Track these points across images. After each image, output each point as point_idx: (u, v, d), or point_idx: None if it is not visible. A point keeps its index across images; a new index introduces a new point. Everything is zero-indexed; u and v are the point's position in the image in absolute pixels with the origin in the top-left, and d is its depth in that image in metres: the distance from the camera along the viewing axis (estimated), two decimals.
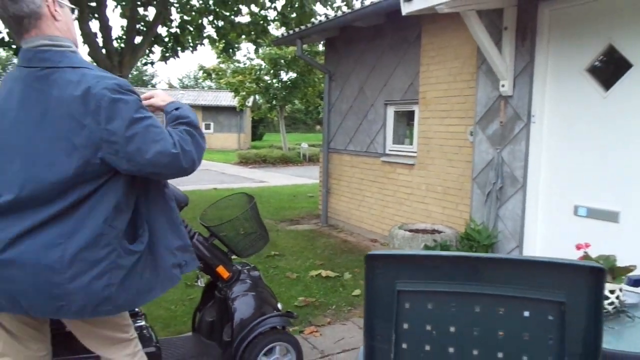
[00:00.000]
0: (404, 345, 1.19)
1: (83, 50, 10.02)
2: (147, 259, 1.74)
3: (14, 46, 8.93)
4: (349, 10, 6.81)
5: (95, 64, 8.91)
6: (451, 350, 1.16)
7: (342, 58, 7.24)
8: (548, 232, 4.19)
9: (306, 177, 15.86)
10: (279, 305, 2.98)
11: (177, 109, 1.85)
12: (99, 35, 8.82)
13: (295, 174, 17.43)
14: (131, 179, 1.67)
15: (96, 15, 8.71)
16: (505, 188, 4.36)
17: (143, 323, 2.67)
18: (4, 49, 9.30)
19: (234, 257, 2.96)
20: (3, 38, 8.82)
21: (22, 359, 1.80)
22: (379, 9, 5.62)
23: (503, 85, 4.24)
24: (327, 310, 4.08)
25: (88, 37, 8.45)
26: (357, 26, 6.39)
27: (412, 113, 6.02)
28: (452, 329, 1.15)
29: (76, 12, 1.80)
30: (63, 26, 1.65)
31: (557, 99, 4.06)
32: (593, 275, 1.07)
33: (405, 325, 1.19)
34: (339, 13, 9.19)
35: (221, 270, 2.82)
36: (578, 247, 2.01)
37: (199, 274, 2.91)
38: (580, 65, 3.88)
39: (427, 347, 1.18)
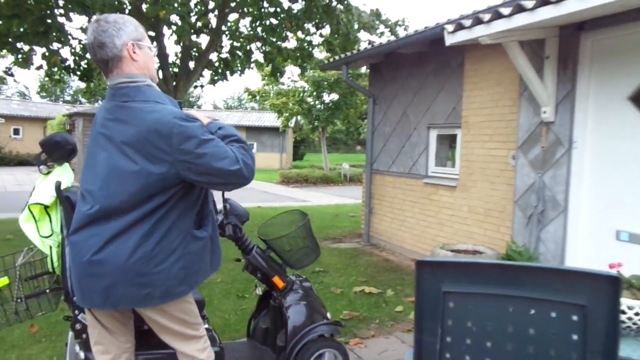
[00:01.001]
0: (448, 339, 1.41)
1: None
2: (209, 244, 2.07)
3: (78, 73, 9.72)
4: (394, 38, 7.10)
5: None
6: (488, 344, 1.37)
7: (386, 83, 7.52)
8: (589, 256, 4.27)
9: (347, 197, 16.09)
10: (328, 315, 3.21)
11: (220, 128, 2.03)
12: (157, 61, 9.48)
13: (337, 193, 17.70)
14: (185, 184, 1.96)
15: (155, 44, 9.36)
16: (546, 211, 4.48)
17: (207, 325, 2.96)
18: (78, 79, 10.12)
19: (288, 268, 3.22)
20: (69, 65, 9.61)
21: (113, 348, 2.12)
22: (423, 38, 5.88)
23: (545, 112, 4.39)
24: (371, 324, 4.27)
25: None
26: (401, 52, 6.67)
27: (454, 136, 6.20)
28: (489, 326, 1.37)
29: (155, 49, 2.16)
30: (141, 64, 1.94)
31: (599, 125, 4.17)
32: (611, 282, 1.27)
33: (449, 322, 1.41)
34: (383, 39, 9.53)
35: (276, 280, 3.08)
36: (611, 267, 2.17)
37: (256, 283, 3.18)
38: (623, 93, 3.99)
39: (468, 341, 1.39)
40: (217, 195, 2.36)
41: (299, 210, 3.36)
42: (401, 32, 10.35)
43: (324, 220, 10.43)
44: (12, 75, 9.96)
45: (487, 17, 3.89)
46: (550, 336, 1.31)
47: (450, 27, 4.25)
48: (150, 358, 2.51)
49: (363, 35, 9.75)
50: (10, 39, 8.00)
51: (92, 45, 1.90)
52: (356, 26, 9.42)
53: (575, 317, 1.29)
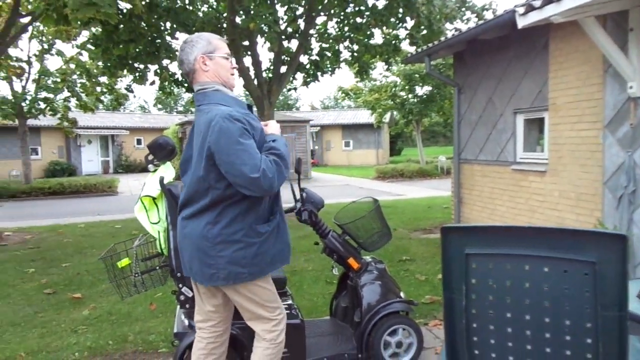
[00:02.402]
0: (473, 296, 1.59)
1: (239, 83, 11.60)
2: (272, 239, 2.29)
3: (185, 85, 10.78)
4: (481, 22, 6.97)
5: (248, 93, 10.31)
6: (508, 300, 1.53)
7: (470, 70, 7.44)
8: None
9: (443, 189, 15.87)
10: (402, 294, 3.42)
11: (273, 141, 2.25)
12: (251, 69, 10.20)
13: (432, 186, 17.50)
14: None
15: (249, 53, 10.09)
16: (638, 191, 4.25)
17: (290, 302, 3.32)
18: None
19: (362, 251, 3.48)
20: (178, 78, 10.69)
21: (203, 313, 2.50)
22: (502, 22, 5.78)
23: (631, 87, 4.18)
24: None
25: (243, 71, 9.84)
26: (483, 39, 6.59)
27: (541, 120, 6.02)
28: (507, 283, 1.53)
29: (232, 60, 2.46)
30: (211, 73, 2.27)
31: None
32: (618, 240, 1.38)
33: (473, 281, 1.59)
34: (472, 24, 9.34)
35: (352, 261, 3.36)
36: None
37: (333, 264, 3.48)
38: None
39: (490, 297, 1.56)
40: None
41: (372, 197, 3.59)
42: (489, 16, 10.05)
43: (417, 212, 10.48)
44: (131, 91, 11.35)
45: None
46: (563, 291, 1.44)
47: (521, 9, 4.21)
48: (242, 327, 2.90)
49: (449, 25, 9.56)
50: (129, 61, 9.15)
51: (178, 63, 2.35)
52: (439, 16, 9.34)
53: (586, 273, 1.41)
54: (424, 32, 9.40)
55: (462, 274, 1.58)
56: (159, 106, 56.15)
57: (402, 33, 10.51)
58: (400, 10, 9.09)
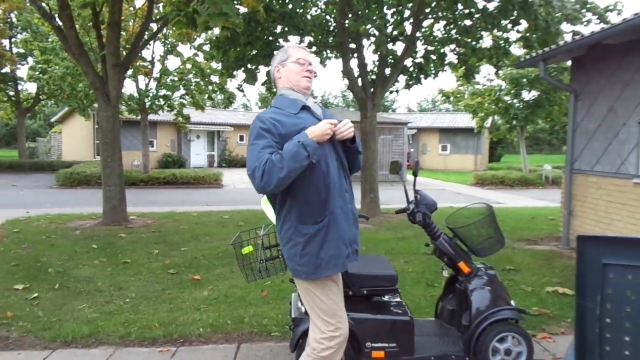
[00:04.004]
0: (608, 305, 1.61)
1: (342, 85, 11.85)
2: (317, 241, 2.30)
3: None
4: (604, 26, 6.59)
5: (353, 94, 10.54)
6: None
7: (590, 76, 7.04)
8: None
9: (547, 200, 15.03)
10: (512, 302, 3.39)
11: (298, 141, 2.21)
12: (356, 70, 10.41)
13: (536, 196, 16.62)
14: (293, 184, 2.25)
15: (355, 55, 10.31)
16: None
17: (399, 299, 3.44)
18: None
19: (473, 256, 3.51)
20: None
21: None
22: (633, 25, 5.44)
23: None
24: (562, 322, 4.24)
25: (349, 73, 10.08)
26: (607, 43, 6.22)
27: None
28: None
29: (308, 63, 2.51)
30: (283, 79, 2.46)
31: None
32: None
33: (609, 291, 1.61)
34: (591, 28, 8.80)
35: (462, 265, 3.40)
36: None
37: (443, 266, 3.55)
38: None
39: (628, 309, 1.58)
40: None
41: (484, 203, 3.60)
42: (613, 19, 9.38)
43: (519, 221, 10.07)
44: (242, 91, 12.07)
45: None
46: None
47: None
48: (356, 320, 3.08)
49: (565, 27, 9.03)
50: (245, 62, 9.80)
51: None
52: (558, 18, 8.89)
53: None
54: (539, 34, 8.99)
55: (597, 283, 1.61)
56: (259, 104, 58.64)
57: (512, 36, 10.15)
58: (515, 12, 8.78)
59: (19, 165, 24.57)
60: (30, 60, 26.19)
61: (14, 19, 25.06)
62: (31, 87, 38.38)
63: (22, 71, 42.27)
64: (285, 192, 2.31)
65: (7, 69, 24.97)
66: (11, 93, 27.43)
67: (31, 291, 5.00)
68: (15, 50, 27.09)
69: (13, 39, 26.87)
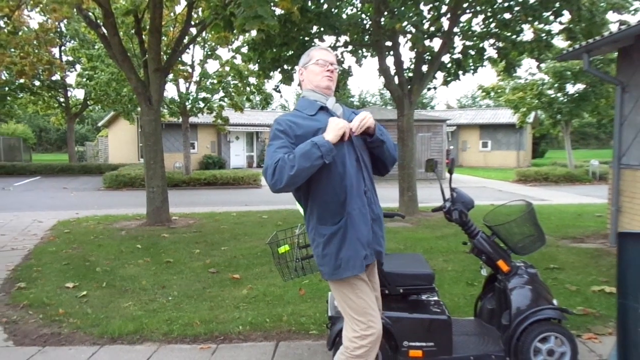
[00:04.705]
0: None
1: (379, 83, 11.78)
2: (335, 242, 2.31)
3: None
4: None
5: (390, 93, 10.47)
6: None
7: (638, 68, 6.73)
8: None
9: (595, 196, 14.48)
10: (555, 301, 3.30)
11: (312, 141, 2.22)
12: (392, 68, 10.33)
13: (582, 193, 16.03)
14: (308, 184, 2.31)
15: (391, 53, 10.24)
16: None
17: (436, 297, 3.40)
18: None
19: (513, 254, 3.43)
20: None
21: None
22: None
23: None
24: (609, 322, 4.09)
25: (385, 72, 10.03)
26: None
27: None
28: None
29: (330, 63, 2.50)
30: (306, 81, 2.51)
31: None
32: None
33: None
34: (638, 17, 8.42)
35: (501, 264, 3.33)
36: None
37: (482, 265, 3.49)
38: None
39: None
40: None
41: (524, 200, 3.52)
42: None
43: (564, 219, 9.75)
44: (279, 92, 12.21)
45: None
46: None
47: None
48: (392, 318, 3.09)
49: (611, 16, 8.68)
50: (281, 63, 9.91)
51: None
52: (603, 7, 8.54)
53: None
54: (583, 25, 8.65)
55: (639, 282, 1.55)
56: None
57: (555, 27, 9.83)
58: (557, 3, 8.49)
59: (69, 168, 25.79)
60: (78, 67, 27.41)
61: (64, 28, 26.27)
62: (79, 93, 40.10)
63: (71, 78, 44.19)
64: (306, 193, 2.39)
65: (57, 76, 26.18)
66: (61, 99, 28.78)
67: (80, 289, 5.24)
68: (64, 58, 28.40)
69: (62, 48, 28.17)
